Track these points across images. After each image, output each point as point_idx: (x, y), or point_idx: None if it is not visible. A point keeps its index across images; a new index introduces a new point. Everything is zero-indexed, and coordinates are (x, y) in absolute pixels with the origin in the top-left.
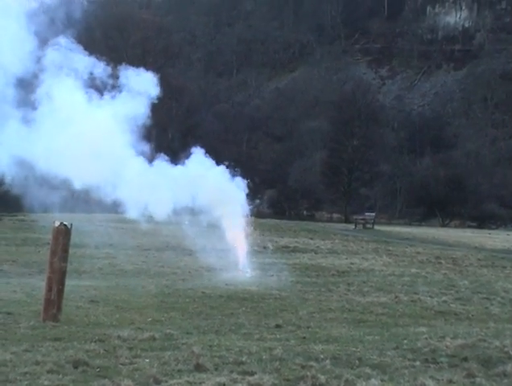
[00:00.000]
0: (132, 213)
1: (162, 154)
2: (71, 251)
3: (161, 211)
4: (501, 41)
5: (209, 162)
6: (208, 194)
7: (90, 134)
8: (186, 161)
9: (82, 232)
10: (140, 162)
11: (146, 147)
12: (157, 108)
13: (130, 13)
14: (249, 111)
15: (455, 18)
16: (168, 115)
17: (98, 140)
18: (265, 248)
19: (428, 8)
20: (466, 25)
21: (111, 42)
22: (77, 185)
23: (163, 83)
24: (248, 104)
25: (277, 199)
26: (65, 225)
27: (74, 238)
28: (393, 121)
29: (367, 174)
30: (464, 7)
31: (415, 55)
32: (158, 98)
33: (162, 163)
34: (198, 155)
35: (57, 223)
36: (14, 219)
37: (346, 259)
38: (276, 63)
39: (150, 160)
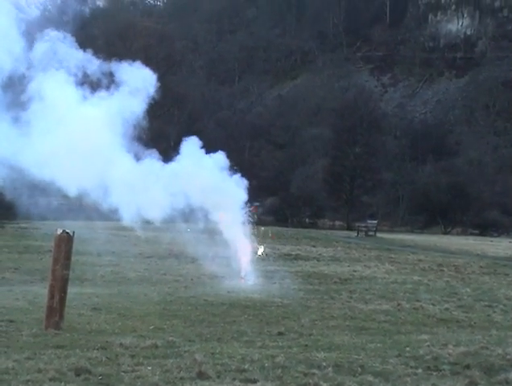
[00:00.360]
0: (127, 217)
1: (153, 151)
2: (73, 258)
3: (155, 211)
4: (503, 49)
5: (202, 154)
6: (202, 189)
7: (82, 135)
8: (177, 157)
9: (84, 240)
10: (130, 161)
11: (142, 149)
12: (159, 115)
13: (132, 20)
14: (251, 118)
15: (457, 25)
16: (170, 122)
17: (91, 141)
18: (267, 255)
19: (430, 16)
20: (468, 32)
21: (113, 49)
22: (70, 190)
23: (165, 90)
24: (250, 111)
25: (279, 206)
26: (67, 233)
27: (76, 245)
28: (395, 128)
29: (369, 181)
30: (465, 15)
31: (417, 62)
32: (161, 105)
33: (152, 161)
34: (190, 147)
35: (59, 231)
36: (16, 226)
37: (348, 266)
38: (278, 71)
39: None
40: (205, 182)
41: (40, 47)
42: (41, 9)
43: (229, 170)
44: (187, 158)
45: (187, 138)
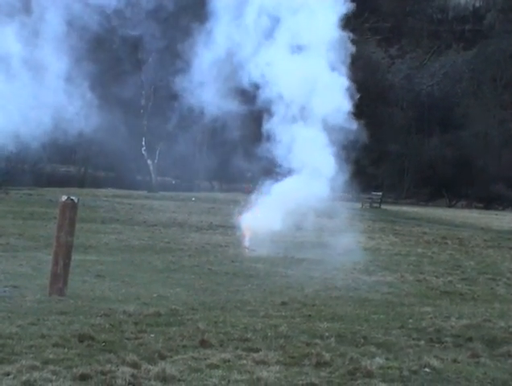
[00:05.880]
0: None
1: None
2: (77, 225)
3: None
4: None
5: None
6: None
7: None
8: None
9: (89, 207)
10: None
11: None
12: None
13: None
14: None
15: None
16: None
17: None
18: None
19: None
20: (476, 5)
21: None
22: None
23: None
24: None
25: None
26: (72, 199)
27: (81, 213)
28: (402, 100)
29: (375, 153)
30: None
31: (425, 34)
32: None
33: None
34: None
35: (64, 198)
36: (21, 193)
37: (353, 238)
38: None
39: None
40: None
41: None
42: None
43: None
44: None
45: None
